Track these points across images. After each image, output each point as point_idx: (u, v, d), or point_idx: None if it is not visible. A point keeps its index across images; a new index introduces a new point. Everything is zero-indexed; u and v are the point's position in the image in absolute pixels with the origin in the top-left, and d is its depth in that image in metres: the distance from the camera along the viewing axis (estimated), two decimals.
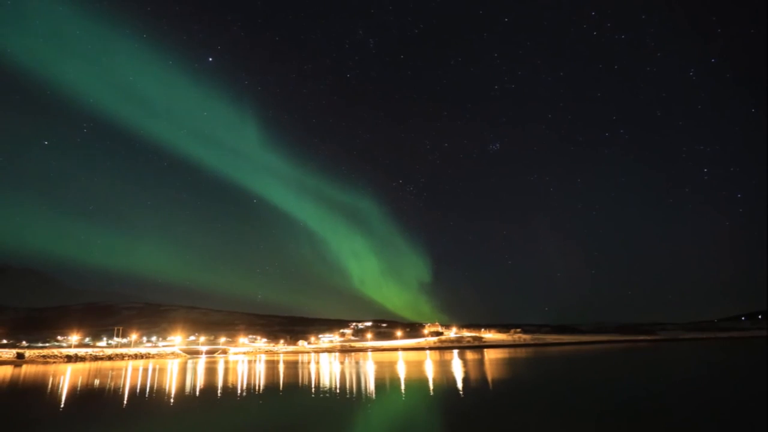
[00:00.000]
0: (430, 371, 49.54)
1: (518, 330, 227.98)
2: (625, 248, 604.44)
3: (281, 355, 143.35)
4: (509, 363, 67.11)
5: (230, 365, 77.85)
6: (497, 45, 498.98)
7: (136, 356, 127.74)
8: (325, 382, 38.90)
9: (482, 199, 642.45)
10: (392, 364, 66.36)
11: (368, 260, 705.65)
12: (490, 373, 36.24)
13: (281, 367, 66.59)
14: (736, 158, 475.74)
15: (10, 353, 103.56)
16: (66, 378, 52.00)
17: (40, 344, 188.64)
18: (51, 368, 74.12)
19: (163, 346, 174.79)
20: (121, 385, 39.69)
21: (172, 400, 28.26)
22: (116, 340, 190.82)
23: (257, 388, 34.94)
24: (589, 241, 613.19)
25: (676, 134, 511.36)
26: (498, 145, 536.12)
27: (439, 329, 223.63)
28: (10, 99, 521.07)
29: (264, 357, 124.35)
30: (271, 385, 36.89)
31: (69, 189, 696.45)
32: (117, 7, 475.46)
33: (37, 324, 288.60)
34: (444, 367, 59.07)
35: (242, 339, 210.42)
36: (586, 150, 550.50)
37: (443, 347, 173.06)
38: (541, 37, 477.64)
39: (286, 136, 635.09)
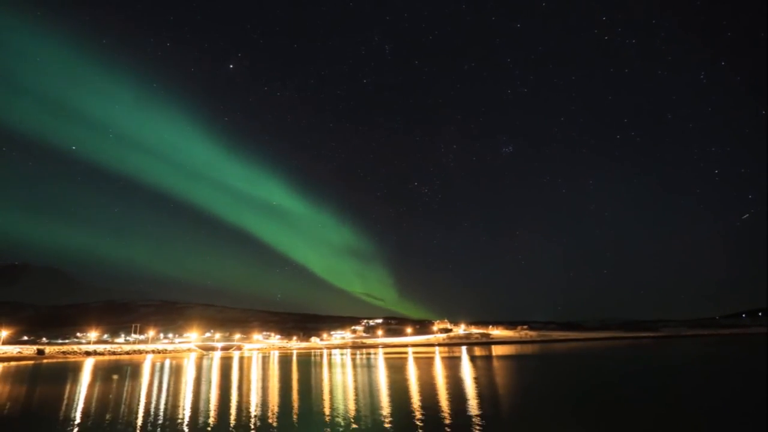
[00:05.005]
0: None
1: (525, 327, 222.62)
2: (636, 247, 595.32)
3: (294, 351, 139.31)
4: (517, 365, 62.89)
5: (244, 362, 74.08)
6: (509, 50, 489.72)
7: (153, 352, 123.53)
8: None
9: (496, 201, 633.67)
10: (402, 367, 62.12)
11: (377, 261, 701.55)
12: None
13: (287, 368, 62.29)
14: (747, 160, 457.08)
15: (30, 349, 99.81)
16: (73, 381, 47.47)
17: (60, 341, 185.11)
18: (70, 363, 70.99)
19: (180, 342, 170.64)
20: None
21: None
22: (134, 336, 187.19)
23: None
24: (600, 241, 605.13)
25: (686, 136, 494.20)
26: (511, 147, 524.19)
27: (448, 326, 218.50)
28: (39, 106, 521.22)
29: (277, 353, 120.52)
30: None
31: (95, 191, 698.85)
32: (140, 17, 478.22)
33: (57, 321, 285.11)
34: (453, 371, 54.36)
35: (256, 336, 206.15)
36: (598, 152, 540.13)
37: (452, 343, 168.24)
38: (553, 42, 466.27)
39: (304, 140, 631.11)
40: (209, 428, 17.51)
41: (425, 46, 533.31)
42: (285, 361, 74.86)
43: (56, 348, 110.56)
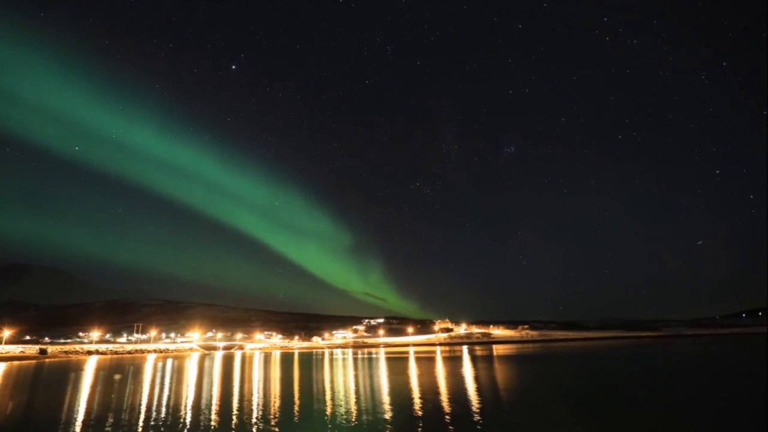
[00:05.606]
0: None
1: (526, 326, 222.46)
2: (636, 247, 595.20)
3: (296, 351, 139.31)
4: (518, 365, 62.82)
5: (246, 361, 74.03)
6: (511, 51, 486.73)
7: (155, 352, 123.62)
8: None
9: (497, 201, 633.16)
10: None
11: (379, 261, 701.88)
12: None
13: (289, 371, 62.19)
14: (748, 160, 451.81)
15: (33, 349, 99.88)
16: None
17: (62, 340, 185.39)
18: (72, 362, 71.07)
19: (182, 342, 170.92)
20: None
21: None
22: (136, 336, 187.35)
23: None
24: (601, 241, 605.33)
25: (688, 136, 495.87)
26: (512, 147, 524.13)
27: (449, 326, 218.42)
28: (41, 107, 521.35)
29: (279, 353, 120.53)
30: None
31: (97, 192, 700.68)
32: (142, 18, 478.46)
33: (59, 321, 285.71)
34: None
35: (258, 335, 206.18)
36: (599, 152, 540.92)
37: (453, 343, 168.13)
38: (554, 42, 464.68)
39: (306, 140, 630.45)
40: (211, 428, 17.44)
41: (427, 47, 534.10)
42: (287, 360, 74.84)
43: (58, 347, 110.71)
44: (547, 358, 64.67)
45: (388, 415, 18.98)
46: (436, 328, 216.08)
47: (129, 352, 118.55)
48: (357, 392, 26.98)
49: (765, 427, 15.53)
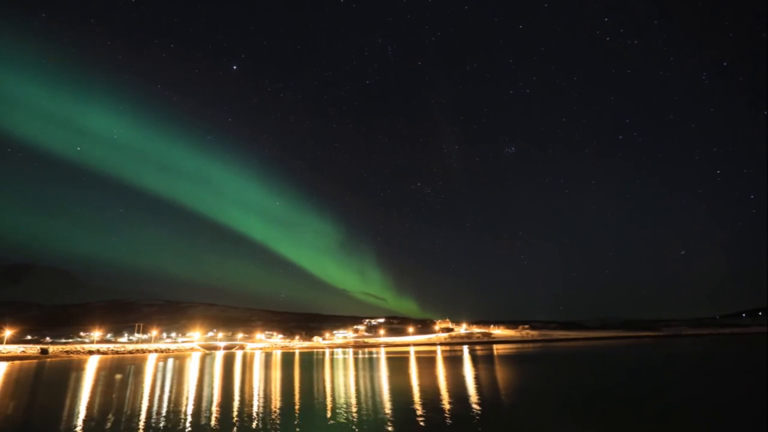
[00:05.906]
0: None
1: (526, 326, 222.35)
2: (637, 247, 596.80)
3: (297, 350, 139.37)
4: (518, 364, 62.47)
5: (247, 361, 74.04)
6: (512, 51, 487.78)
7: (156, 351, 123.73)
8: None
9: (498, 201, 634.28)
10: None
11: (379, 261, 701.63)
12: None
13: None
14: (748, 160, 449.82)
15: (34, 348, 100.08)
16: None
17: (64, 340, 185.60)
18: (74, 362, 71.21)
19: (183, 341, 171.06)
20: None
21: None
22: (137, 336, 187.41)
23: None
24: (602, 241, 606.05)
25: (688, 137, 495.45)
26: (513, 148, 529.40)
27: (450, 325, 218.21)
28: (43, 107, 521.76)
29: (280, 352, 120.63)
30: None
31: (99, 192, 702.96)
32: (144, 18, 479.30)
33: (61, 320, 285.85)
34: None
35: (259, 335, 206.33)
36: (600, 153, 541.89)
37: (453, 343, 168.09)
38: (555, 43, 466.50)
39: (307, 141, 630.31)
40: (212, 429, 17.44)
41: (428, 47, 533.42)
42: (288, 360, 74.87)
43: (60, 347, 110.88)
44: (548, 358, 64.66)
45: (389, 416, 18.99)
46: (437, 327, 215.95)
47: (130, 352, 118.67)
48: (358, 392, 26.96)
49: (765, 427, 15.49)
